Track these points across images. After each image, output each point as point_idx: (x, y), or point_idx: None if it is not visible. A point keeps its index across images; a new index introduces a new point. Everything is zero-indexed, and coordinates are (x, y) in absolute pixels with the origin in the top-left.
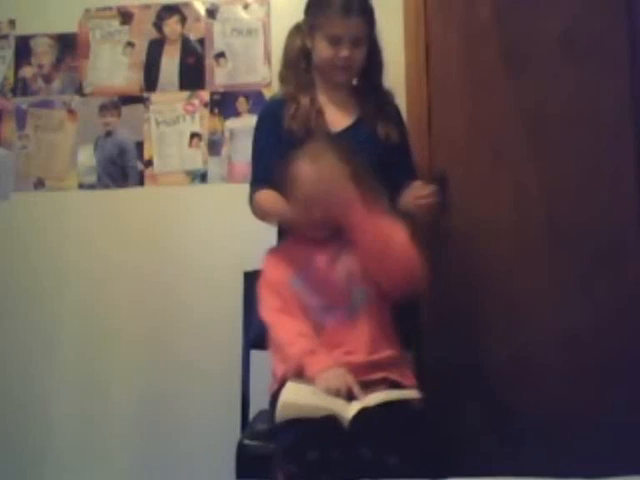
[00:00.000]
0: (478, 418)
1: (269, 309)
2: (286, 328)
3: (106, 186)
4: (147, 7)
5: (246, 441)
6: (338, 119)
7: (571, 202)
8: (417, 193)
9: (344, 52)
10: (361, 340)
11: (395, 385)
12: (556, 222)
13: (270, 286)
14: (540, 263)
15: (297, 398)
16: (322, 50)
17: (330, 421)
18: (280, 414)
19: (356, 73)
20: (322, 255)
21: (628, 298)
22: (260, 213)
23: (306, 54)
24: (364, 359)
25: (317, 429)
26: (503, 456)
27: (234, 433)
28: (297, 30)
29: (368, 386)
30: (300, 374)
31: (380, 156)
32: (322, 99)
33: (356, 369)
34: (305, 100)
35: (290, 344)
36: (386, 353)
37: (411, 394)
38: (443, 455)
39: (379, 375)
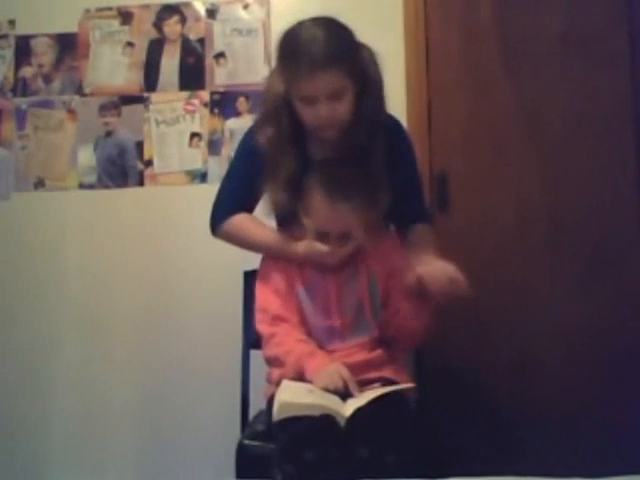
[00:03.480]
0: (478, 417)
1: (265, 315)
2: (284, 339)
3: (106, 186)
4: (147, 7)
5: (246, 441)
6: (323, 148)
7: (571, 202)
8: (452, 275)
9: (322, 112)
10: (359, 345)
11: (390, 383)
12: (556, 221)
13: (270, 285)
14: (540, 262)
15: (294, 397)
16: (300, 111)
17: (327, 420)
18: (277, 414)
19: (343, 126)
20: (332, 277)
21: (628, 298)
22: (234, 237)
23: (288, 102)
24: (360, 358)
25: (314, 428)
26: (503, 455)
27: (234, 433)
28: (278, 75)
29: (363, 385)
30: (300, 377)
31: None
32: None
33: (351, 368)
34: (283, 164)
35: (288, 352)
36: (380, 351)
37: (406, 389)
38: (442, 454)
39: (374, 374)
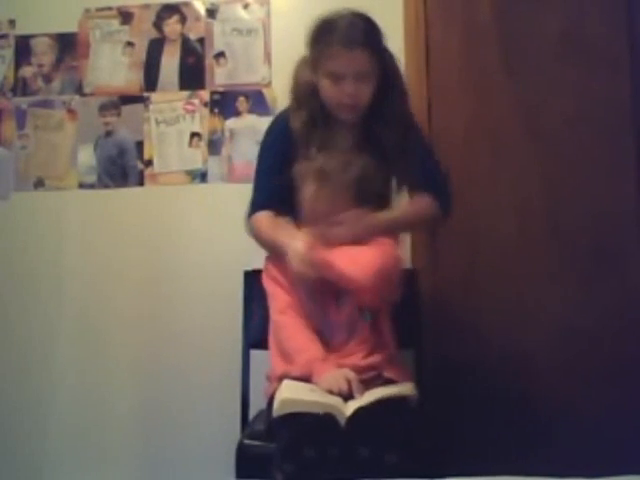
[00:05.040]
0: (478, 417)
1: (279, 303)
2: (297, 332)
3: (106, 186)
4: (147, 7)
5: (246, 441)
6: (343, 138)
7: (571, 200)
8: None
9: (348, 88)
10: (358, 347)
11: (390, 382)
12: (556, 223)
13: (277, 281)
14: (540, 263)
15: (295, 395)
16: (325, 88)
17: (327, 419)
18: (278, 409)
19: (362, 110)
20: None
21: (628, 299)
22: (256, 235)
23: (317, 91)
24: (360, 362)
25: (314, 427)
26: (503, 455)
27: (234, 433)
28: (306, 61)
29: (363, 383)
30: (306, 379)
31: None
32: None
33: (352, 369)
34: (316, 144)
35: (301, 350)
36: (381, 356)
37: (407, 389)
38: (442, 454)
39: (373, 373)
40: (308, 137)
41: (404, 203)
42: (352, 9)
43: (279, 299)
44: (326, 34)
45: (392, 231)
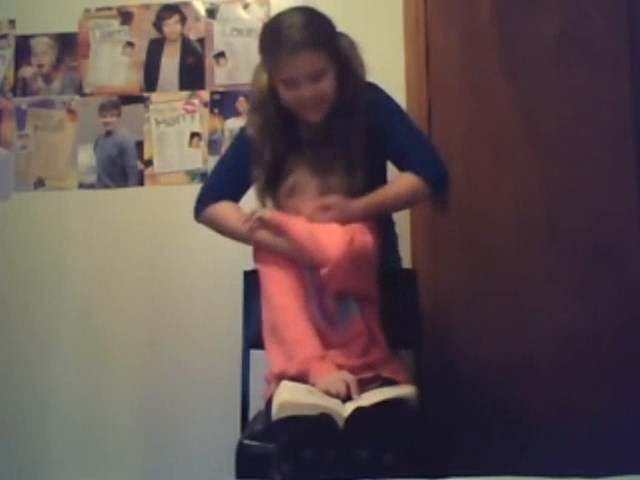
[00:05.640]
0: (478, 417)
1: (277, 285)
2: (296, 320)
3: (106, 186)
4: (147, 7)
5: (246, 441)
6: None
7: (571, 202)
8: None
9: (305, 92)
10: (354, 345)
11: (388, 382)
12: (556, 222)
13: (277, 262)
14: (540, 263)
15: (294, 397)
16: (283, 95)
17: (325, 420)
18: (277, 413)
19: (329, 106)
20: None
21: (628, 301)
22: (213, 225)
23: (274, 92)
24: (357, 362)
25: (312, 428)
26: (503, 455)
27: (234, 433)
28: (262, 67)
29: (362, 384)
30: (303, 377)
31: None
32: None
33: (350, 369)
34: (268, 149)
35: (299, 343)
36: (377, 354)
37: (406, 390)
38: (442, 454)
39: (371, 373)
40: (263, 142)
41: (386, 186)
42: (296, 5)
43: (279, 279)
44: (270, 42)
45: (373, 215)
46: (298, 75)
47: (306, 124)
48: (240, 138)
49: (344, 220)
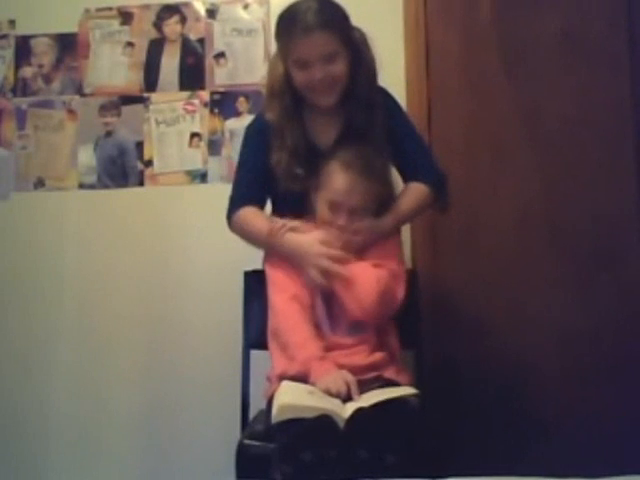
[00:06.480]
0: (478, 417)
1: (281, 293)
2: (297, 325)
3: (106, 186)
4: (147, 7)
5: (246, 441)
6: (325, 134)
7: (571, 202)
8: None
9: (317, 74)
10: (361, 347)
11: (390, 383)
12: (556, 224)
13: (284, 269)
14: (540, 263)
15: (294, 399)
16: (296, 77)
17: (325, 421)
18: (277, 415)
19: (340, 90)
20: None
21: (628, 301)
22: (240, 230)
23: (290, 80)
24: (361, 362)
25: (312, 429)
26: (503, 455)
27: (234, 433)
28: (278, 56)
29: (363, 384)
30: (304, 377)
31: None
32: (309, 117)
33: (352, 370)
34: (290, 132)
35: (300, 346)
36: (382, 355)
37: (406, 391)
38: (442, 454)
39: (373, 374)
40: (283, 127)
41: (402, 197)
42: None
43: (284, 287)
44: (286, 24)
45: (397, 229)
46: (311, 55)
47: (321, 126)
48: (255, 129)
49: (375, 238)
